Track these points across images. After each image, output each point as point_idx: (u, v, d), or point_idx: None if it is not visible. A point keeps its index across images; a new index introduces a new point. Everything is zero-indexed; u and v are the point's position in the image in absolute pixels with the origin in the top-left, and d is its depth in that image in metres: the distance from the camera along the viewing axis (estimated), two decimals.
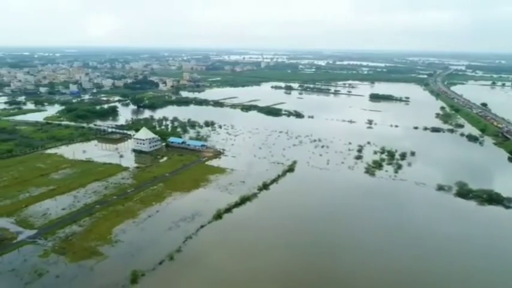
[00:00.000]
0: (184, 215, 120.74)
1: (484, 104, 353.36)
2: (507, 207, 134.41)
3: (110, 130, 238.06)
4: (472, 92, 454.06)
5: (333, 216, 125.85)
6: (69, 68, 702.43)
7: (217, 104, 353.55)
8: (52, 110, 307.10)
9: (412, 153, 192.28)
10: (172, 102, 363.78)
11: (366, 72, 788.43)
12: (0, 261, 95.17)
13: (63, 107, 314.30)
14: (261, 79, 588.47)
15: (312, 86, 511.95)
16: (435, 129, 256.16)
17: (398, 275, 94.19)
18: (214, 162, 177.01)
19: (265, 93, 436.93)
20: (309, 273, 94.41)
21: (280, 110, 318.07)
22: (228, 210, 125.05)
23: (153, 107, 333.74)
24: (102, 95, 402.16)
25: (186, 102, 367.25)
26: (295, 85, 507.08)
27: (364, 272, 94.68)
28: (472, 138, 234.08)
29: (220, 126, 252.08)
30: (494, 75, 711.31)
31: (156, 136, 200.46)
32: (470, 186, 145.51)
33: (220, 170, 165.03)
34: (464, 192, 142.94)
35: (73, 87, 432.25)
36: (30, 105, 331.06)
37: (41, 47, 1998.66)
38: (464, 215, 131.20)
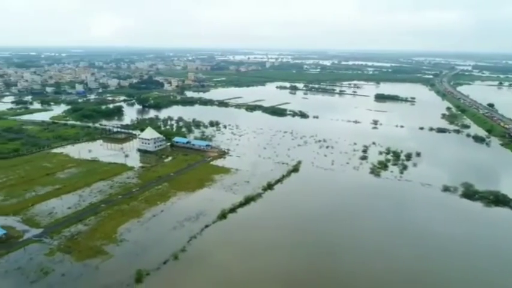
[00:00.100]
0: (188, 214, 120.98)
1: (491, 105, 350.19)
2: None
3: (115, 130, 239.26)
4: (478, 92, 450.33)
5: (338, 216, 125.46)
6: (75, 68, 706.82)
7: (222, 104, 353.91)
8: (58, 110, 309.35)
9: (418, 154, 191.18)
10: (177, 102, 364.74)
11: (371, 72, 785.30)
12: (7, 260, 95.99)
13: (69, 107, 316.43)
14: (265, 79, 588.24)
15: (317, 86, 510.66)
16: (441, 130, 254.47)
17: (403, 276, 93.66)
18: (219, 162, 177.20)
19: (270, 93, 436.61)
20: (313, 273, 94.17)
21: (285, 110, 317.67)
22: (233, 210, 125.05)
23: (158, 106, 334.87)
24: (108, 95, 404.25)
25: (191, 102, 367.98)
26: (300, 85, 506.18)
27: (368, 273, 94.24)
28: (478, 139, 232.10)
29: (225, 126, 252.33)
30: (501, 76, 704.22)
31: (161, 136, 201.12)
32: (476, 187, 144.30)
33: (225, 170, 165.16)
34: (470, 193, 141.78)
35: (79, 87, 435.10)
36: (36, 105, 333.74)
37: (48, 47, 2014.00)
38: (470, 216, 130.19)
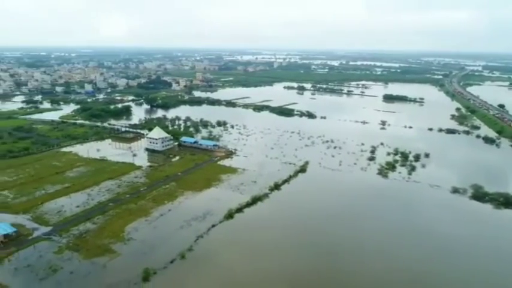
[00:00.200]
0: (196, 214, 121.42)
1: (502, 106, 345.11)
2: None
3: (123, 129, 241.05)
4: (488, 93, 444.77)
5: (344, 217, 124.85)
6: (85, 67, 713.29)
7: (230, 104, 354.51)
8: (67, 109, 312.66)
9: (426, 155, 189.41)
10: (185, 102, 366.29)
11: (379, 72, 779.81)
12: (17, 257, 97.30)
13: (78, 106, 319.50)
14: (273, 79, 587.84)
15: (324, 86, 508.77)
16: (450, 131, 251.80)
17: (410, 277, 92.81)
18: (226, 162, 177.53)
19: (277, 93, 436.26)
20: (320, 274, 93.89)
21: (292, 110, 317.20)
22: (240, 210, 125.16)
23: (166, 106, 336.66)
24: (116, 95, 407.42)
25: (198, 102, 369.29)
26: (308, 85, 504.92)
27: (375, 274, 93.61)
28: (488, 140, 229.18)
29: (232, 126, 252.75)
30: None
31: (169, 135, 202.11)
32: (486, 189, 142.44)
33: (232, 170, 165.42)
34: (479, 195, 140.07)
35: (88, 87, 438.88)
36: (46, 104, 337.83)
37: (58, 47, 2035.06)
38: (479, 218, 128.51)
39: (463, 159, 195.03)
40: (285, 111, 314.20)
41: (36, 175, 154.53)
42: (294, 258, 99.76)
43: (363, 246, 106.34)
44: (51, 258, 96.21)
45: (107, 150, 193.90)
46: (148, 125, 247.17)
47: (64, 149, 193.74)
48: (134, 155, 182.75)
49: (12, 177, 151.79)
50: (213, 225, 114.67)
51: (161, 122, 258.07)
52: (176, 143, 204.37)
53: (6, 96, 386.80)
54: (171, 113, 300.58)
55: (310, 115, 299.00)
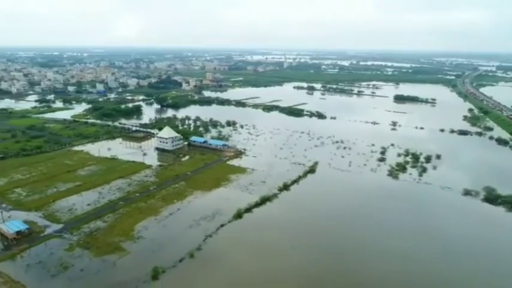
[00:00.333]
0: (205, 213, 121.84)
1: None
2: None
3: (134, 128, 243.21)
4: (502, 93, 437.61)
5: (354, 218, 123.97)
6: (96, 67, 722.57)
7: (239, 104, 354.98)
8: (79, 109, 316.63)
9: (438, 156, 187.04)
10: (195, 102, 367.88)
11: (390, 72, 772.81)
12: (29, 254, 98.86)
13: (89, 106, 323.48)
14: (283, 79, 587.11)
15: (334, 86, 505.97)
16: (462, 132, 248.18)
17: (420, 280, 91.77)
18: (235, 162, 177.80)
19: (287, 93, 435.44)
20: (328, 275, 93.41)
21: (302, 110, 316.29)
22: (249, 209, 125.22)
23: (176, 106, 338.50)
24: (127, 94, 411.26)
25: (208, 101, 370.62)
26: (318, 85, 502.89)
27: (385, 276, 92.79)
28: (501, 141, 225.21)
29: (241, 126, 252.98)
30: None
31: (179, 135, 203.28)
32: (499, 191, 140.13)
33: (241, 170, 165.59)
34: (492, 198, 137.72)
35: (99, 87, 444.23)
36: (58, 104, 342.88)
37: (70, 47, 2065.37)
38: (492, 220, 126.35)
39: (476, 160, 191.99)
40: (294, 112, 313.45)
41: (48, 173, 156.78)
42: (302, 259, 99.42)
43: (371, 248, 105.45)
44: (62, 256, 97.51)
45: (118, 149, 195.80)
46: (159, 124, 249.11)
47: (76, 148, 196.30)
48: (144, 154, 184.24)
49: (25, 175, 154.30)
50: (222, 225, 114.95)
51: (171, 122, 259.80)
52: (186, 143, 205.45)
53: (20, 96, 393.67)
54: (181, 113, 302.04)
55: (320, 115, 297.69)
